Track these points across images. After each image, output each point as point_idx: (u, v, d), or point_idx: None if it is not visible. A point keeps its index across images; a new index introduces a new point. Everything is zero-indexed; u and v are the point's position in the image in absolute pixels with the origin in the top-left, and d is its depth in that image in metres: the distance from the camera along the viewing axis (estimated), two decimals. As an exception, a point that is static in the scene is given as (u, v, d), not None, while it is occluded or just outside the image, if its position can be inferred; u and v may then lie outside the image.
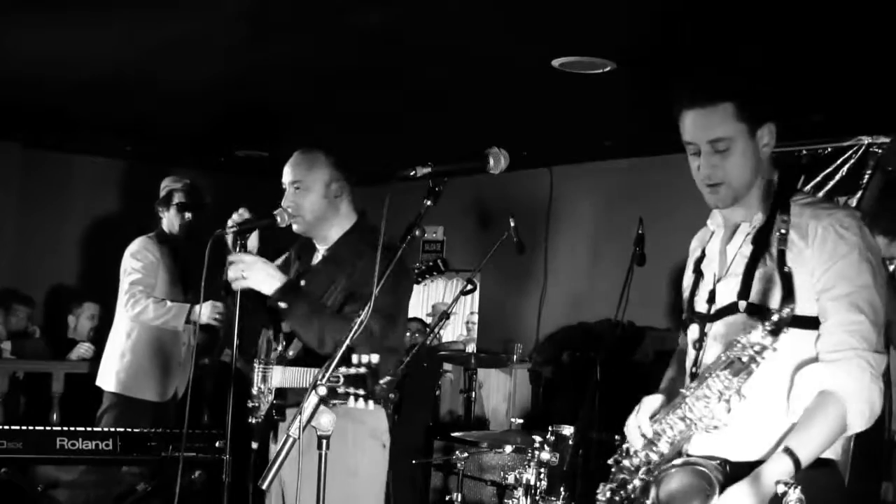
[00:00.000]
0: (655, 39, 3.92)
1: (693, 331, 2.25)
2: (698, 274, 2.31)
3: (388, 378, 2.42)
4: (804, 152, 5.41)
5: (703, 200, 2.25)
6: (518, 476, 3.82)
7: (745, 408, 1.99)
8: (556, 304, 6.72)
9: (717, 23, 3.65)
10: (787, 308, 1.88)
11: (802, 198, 2.15)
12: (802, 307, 1.98)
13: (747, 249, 2.16)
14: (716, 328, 2.17)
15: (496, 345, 6.83)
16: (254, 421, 3.13)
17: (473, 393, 5.81)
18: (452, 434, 4.91)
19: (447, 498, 4.54)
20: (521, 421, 4.46)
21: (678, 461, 2.06)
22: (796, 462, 1.93)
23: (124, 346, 4.73)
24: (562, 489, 3.70)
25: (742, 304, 2.10)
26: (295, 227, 3.15)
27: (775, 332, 1.88)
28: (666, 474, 2.05)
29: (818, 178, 5.34)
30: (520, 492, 3.82)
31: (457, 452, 4.58)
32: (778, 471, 1.92)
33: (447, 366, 6.50)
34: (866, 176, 5.18)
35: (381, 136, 6.29)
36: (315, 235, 3.20)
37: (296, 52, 4.37)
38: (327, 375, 2.33)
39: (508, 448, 4.30)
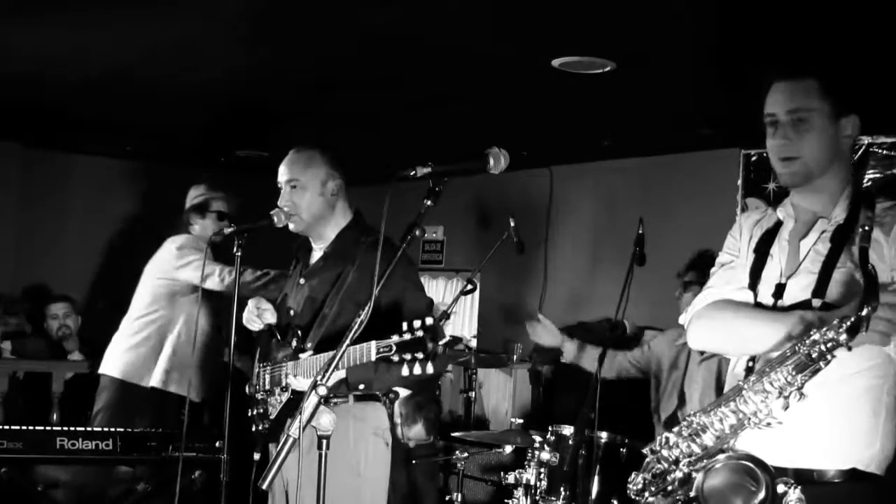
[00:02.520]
0: (655, 39, 3.92)
1: None
2: (764, 254, 2.23)
3: (448, 338, 2.40)
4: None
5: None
6: (518, 476, 3.82)
7: (797, 413, 1.93)
8: (556, 304, 6.71)
9: (716, 23, 3.65)
10: (869, 307, 1.82)
11: (881, 200, 2.12)
12: None
13: (823, 247, 2.12)
14: None
15: (496, 345, 6.83)
16: (261, 428, 3.10)
17: (473, 393, 5.81)
18: (452, 434, 4.91)
19: (447, 498, 4.55)
20: (521, 421, 4.46)
21: (723, 456, 1.98)
22: None
23: (167, 342, 4.78)
24: (562, 489, 3.70)
25: (816, 303, 2.05)
26: (292, 227, 3.14)
27: (853, 330, 1.82)
28: (711, 469, 1.97)
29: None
30: (520, 492, 3.82)
31: (457, 452, 4.58)
32: None
33: (447, 366, 6.49)
34: (867, 176, 5.18)
35: (381, 136, 6.29)
36: (312, 234, 3.20)
37: (295, 52, 4.37)
38: (327, 375, 2.33)
39: (508, 448, 4.30)
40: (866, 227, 1.97)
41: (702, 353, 4.24)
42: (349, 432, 2.97)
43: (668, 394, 4.32)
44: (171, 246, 4.85)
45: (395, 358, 2.33)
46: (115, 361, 4.87)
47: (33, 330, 6.45)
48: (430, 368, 2.29)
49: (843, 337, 1.83)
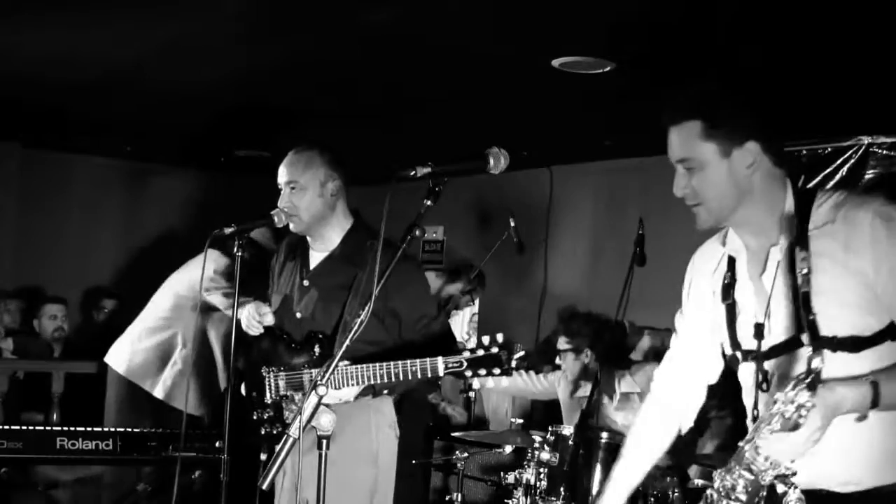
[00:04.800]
0: (655, 39, 3.92)
1: (748, 370, 2.13)
2: (732, 304, 2.14)
3: (522, 352, 2.51)
4: (804, 152, 5.41)
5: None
6: (518, 476, 3.83)
7: (837, 434, 1.86)
8: (556, 304, 6.72)
9: (717, 22, 3.65)
10: (817, 359, 1.77)
11: (826, 198, 2.01)
12: (868, 325, 1.91)
13: (787, 278, 2.02)
14: (782, 367, 2.03)
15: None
16: (273, 431, 3.09)
17: (473, 393, 5.80)
18: (452, 434, 4.91)
19: (447, 498, 4.54)
20: (521, 421, 4.46)
21: None
22: (875, 395, 1.83)
23: (177, 355, 4.78)
24: (562, 489, 3.70)
25: (805, 338, 1.97)
26: (292, 227, 3.14)
27: (812, 387, 1.77)
28: None
29: (818, 178, 5.34)
30: (520, 492, 3.82)
31: (457, 452, 4.58)
32: (858, 393, 1.83)
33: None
34: (866, 176, 5.18)
35: (381, 136, 6.29)
36: (313, 235, 3.20)
37: (296, 52, 4.37)
38: (327, 375, 2.33)
39: (508, 448, 4.30)
40: (804, 271, 1.89)
41: (574, 389, 4.45)
42: (370, 424, 3.05)
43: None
44: (209, 267, 4.68)
45: (468, 373, 2.45)
46: (123, 359, 4.86)
47: (25, 329, 6.46)
48: (504, 382, 2.41)
49: (803, 396, 1.77)
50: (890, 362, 1.94)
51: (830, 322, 1.95)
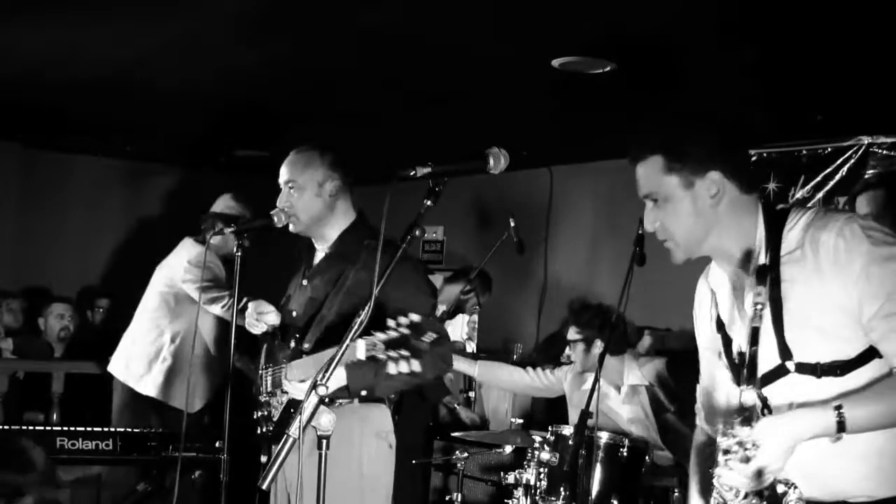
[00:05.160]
0: (655, 39, 3.92)
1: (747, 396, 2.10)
2: (725, 332, 2.14)
3: (434, 336, 2.27)
4: (804, 152, 5.41)
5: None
6: (518, 476, 3.83)
7: (849, 444, 1.87)
8: (556, 304, 6.71)
9: (717, 22, 3.65)
10: (748, 393, 1.80)
11: (796, 220, 2.00)
12: (845, 350, 1.90)
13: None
14: (779, 393, 1.99)
15: (496, 345, 6.83)
16: (265, 430, 3.09)
17: (473, 393, 5.80)
18: (452, 434, 4.91)
19: (447, 498, 4.55)
20: (521, 421, 4.46)
21: None
22: (840, 422, 1.82)
23: (166, 352, 4.80)
24: (562, 489, 3.70)
25: (791, 365, 1.96)
26: (292, 227, 3.14)
27: (747, 421, 1.81)
28: None
29: (818, 178, 5.34)
30: (520, 492, 3.82)
31: (457, 452, 4.58)
32: (819, 420, 1.83)
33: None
34: (866, 176, 5.18)
35: (381, 136, 6.29)
36: (313, 235, 3.20)
37: (296, 52, 4.37)
38: (328, 376, 2.32)
39: (508, 448, 4.30)
40: (759, 306, 1.87)
41: (582, 383, 4.43)
42: (353, 433, 2.97)
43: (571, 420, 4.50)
44: (183, 257, 4.84)
45: (382, 356, 2.26)
46: (122, 364, 4.91)
47: (27, 329, 6.45)
48: (416, 366, 2.24)
49: (743, 433, 1.80)
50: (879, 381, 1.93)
51: (807, 348, 1.94)
